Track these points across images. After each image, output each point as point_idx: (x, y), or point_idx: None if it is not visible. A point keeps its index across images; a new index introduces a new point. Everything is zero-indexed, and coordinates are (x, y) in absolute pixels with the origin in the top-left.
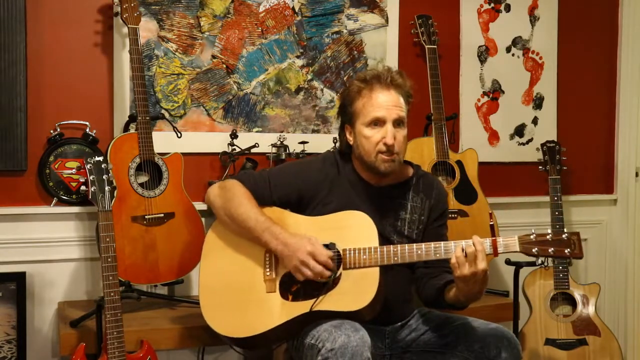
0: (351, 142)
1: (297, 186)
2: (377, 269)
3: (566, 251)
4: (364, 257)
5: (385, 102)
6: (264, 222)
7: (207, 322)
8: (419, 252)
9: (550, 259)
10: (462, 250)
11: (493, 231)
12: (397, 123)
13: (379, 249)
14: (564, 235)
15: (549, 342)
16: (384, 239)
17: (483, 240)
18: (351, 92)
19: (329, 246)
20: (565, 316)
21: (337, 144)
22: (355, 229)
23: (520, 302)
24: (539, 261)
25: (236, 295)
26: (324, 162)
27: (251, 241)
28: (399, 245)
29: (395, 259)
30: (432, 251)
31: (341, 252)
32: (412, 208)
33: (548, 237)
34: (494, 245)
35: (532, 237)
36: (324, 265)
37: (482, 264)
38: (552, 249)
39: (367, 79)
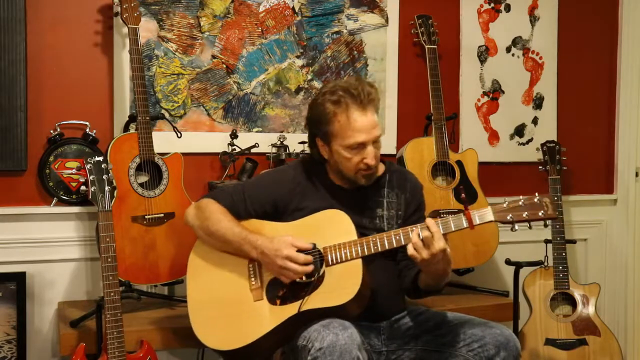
0: (325, 156)
1: (271, 196)
2: (359, 262)
3: (540, 213)
4: (345, 251)
5: (364, 127)
6: (241, 233)
7: (200, 339)
8: (397, 237)
9: (550, 260)
10: (418, 235)
11: (465, 204)
12: (375, 141)
13: (358, 242)
14: (535, 199)
15: (549, 342)
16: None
17: (456, 216)
18: (325, 114)
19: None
20: (565, 316)
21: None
22: (332, 227)
23: (520, 302)
24: (516, 227)
25: (225, 309)
26: (295, 169)
27: (233, 255)
28: (377, 235)
29: (375, 248)
30: (410, 233)
31: (322, 250)
32: (388, 204)
33: (521, 202)
34: (469, 218)
35: (504, 205)
36: (305, 264)
37: (439, 244)
38: (526, 213)
39: (341, 100)
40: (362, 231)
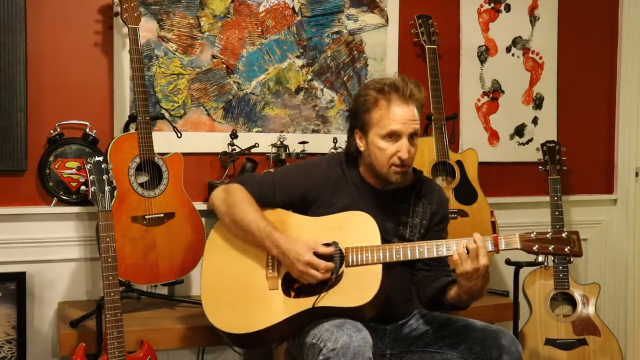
0: (361, 148)
1: (301, 188)
2: (379, 267)
3: (566, 249)
4: (367, 255)
5: (402, 117)
6: (265, 228)
7: (208, 319)
8: (421, 250)
9: (551, 258)
10: (464, 246)
11: (494, 228)
12: (412, 136)
13: (380, 248)
14: (564, 234)
15: (549, 342)
16: (385, 242)
17: (484, 238)
18: (367, 100)
19: (331, 245)
20: (565, 316)
21: (343, 145)
22: (357, 229)
23: (520, 302)
24: (540, 259)
25: (238, 292)
26: (328, 164)
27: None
28: (400, 244)
29: (397, 256)
30: (434, 249)
31: (343, 250)
32: (414, 212)
33: (548, 235)
34: (495, 242)
35: (532, 235)
36: (325, 270)
37: (483, 260)
38: (553, 246)
39: (385, 89)
40: (385, 235)
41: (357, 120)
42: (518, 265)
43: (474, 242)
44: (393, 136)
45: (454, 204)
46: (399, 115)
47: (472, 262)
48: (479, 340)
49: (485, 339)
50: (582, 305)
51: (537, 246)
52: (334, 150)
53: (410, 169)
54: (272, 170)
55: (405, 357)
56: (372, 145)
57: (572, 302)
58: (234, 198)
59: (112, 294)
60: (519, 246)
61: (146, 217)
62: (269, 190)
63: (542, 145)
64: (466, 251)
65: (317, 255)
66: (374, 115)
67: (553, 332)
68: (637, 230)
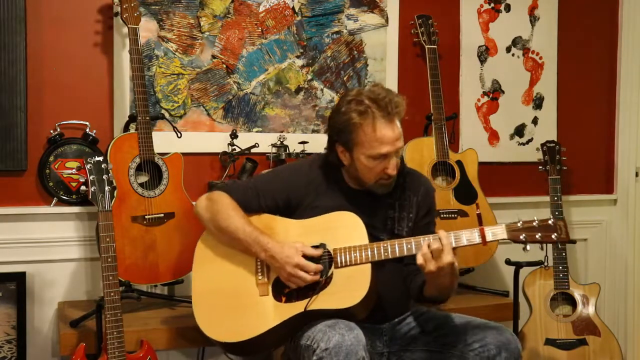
0: (345, 162)
1: (284, 192)
2: (368, 266)
3: (553, 236)
4: (355, 255)
5: (389, 139)
6: (252, 233)
7: (202, 330)
8: (409, 246)
9: (550, 258)
10: (428, 246)
11: (480, 220)
12: (398, 151)
13: (368, 247)
14: (550, 221)
15: (549, 342)
16: (374, 239)
17: (473, 230)
18: (350, 124)
19: (319, 247)
20: (565, 316)
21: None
22: (344, 229)
23: (520, 302)
24: (528, 247)
25: (229, 301)
26: (310, 166)
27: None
28: (388, 241)
29: (386, 254)
30: (422, 244)
31: (332, 251)
32: (400, 206)
33: (535, 223)
34: (482, 234)
35: (519, 224)
36: (314, 272)
37: (447, 258)
38: (540, 234)
39: (367, 111)
40: (373, 232)
41: (339, 137)
42: (518, 265)
43: (439, 239)
44: (381, 157)
45: (454, 204)
46: (386, 138)
47: (436, 262)
48: (478, 337)
49: (485, 337)
50: (582, 305)
51: (523, 235)
52: None
53: (395, 177)
54: (254, 176)
55: (404, 355)
56: (358, 162)
57: (572, 302)
58: (218, 205)
59: (112, 294)
60: (506, 236)
61: (146, 217)
62: (252, 196)
63: (542, 145)
64: (430, 251)
65: (305, 257)
66: (358, 136)
67: (553, 332)
68: (637, 230)
